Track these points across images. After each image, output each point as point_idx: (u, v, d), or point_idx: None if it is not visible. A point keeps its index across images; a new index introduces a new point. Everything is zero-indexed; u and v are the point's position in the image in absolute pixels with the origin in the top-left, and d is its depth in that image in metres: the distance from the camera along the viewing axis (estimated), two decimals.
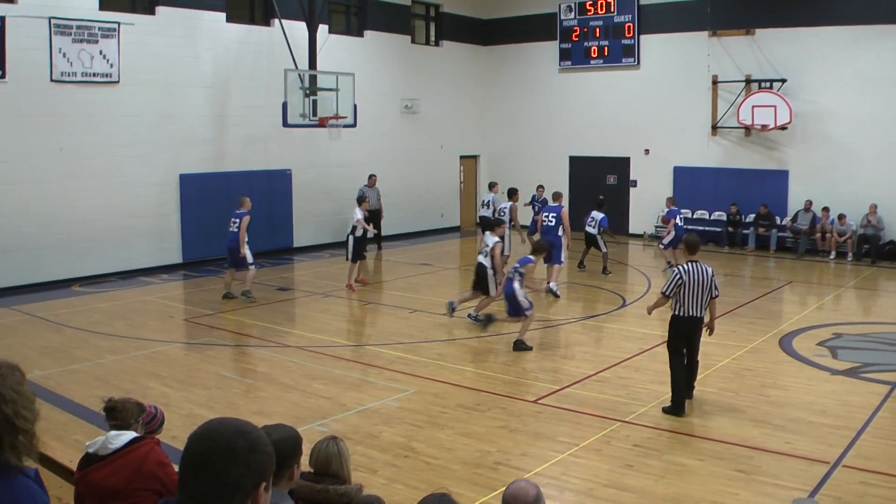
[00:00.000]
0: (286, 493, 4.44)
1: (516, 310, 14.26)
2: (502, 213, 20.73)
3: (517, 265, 14.45)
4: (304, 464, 4.82)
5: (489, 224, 18.48)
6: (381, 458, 9.37)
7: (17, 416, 3.17)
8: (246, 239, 18.28)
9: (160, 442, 5.52)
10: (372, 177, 26.42)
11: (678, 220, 22.08)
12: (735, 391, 11.73)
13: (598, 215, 21.81)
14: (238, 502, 2.66)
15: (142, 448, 5.32)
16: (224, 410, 10.93)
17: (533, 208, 24.60)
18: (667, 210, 23.06)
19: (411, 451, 9.61)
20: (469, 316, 16.12)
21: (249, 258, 18.38)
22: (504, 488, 4.79)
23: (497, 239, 16.07)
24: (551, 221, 19.15)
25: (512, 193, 21.52)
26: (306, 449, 4.79)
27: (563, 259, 19.41)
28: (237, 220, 18.42)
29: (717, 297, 11.12)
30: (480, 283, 16.15)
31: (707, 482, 8.61)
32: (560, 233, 18.99)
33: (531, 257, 14.59)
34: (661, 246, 22.51)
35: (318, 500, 4.97)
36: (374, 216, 25.05)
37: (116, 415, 5.63)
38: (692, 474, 8.84)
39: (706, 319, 11.22)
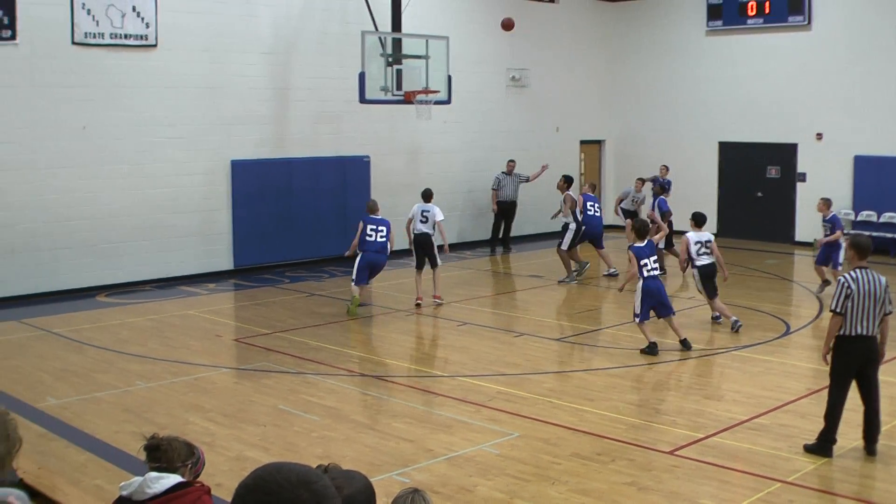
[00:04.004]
0: None
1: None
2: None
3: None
4: None
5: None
6: None
7: None
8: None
9: (210, 491, 5.55)
10: (510, 162, 27.56)
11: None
12: None
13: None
14: None
15: (188, 496, 5.35)
16: (281, 453, 11.01)
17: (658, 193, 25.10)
18: (828, 216, 21.13)
19: None
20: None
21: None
22: None
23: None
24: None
25: (568, 182, 23.17)
26: None
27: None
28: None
29: (890, 313, 10.91)
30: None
31: None
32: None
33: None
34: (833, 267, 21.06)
35: None
36: (508, 209, 27.43)
37: (160, 455, 5.64)
38: None
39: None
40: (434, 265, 19.97)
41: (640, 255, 15.92)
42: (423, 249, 19.92)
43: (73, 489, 7.78)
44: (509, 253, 27.16)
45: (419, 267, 19.97)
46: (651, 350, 15.65)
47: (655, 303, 15.89)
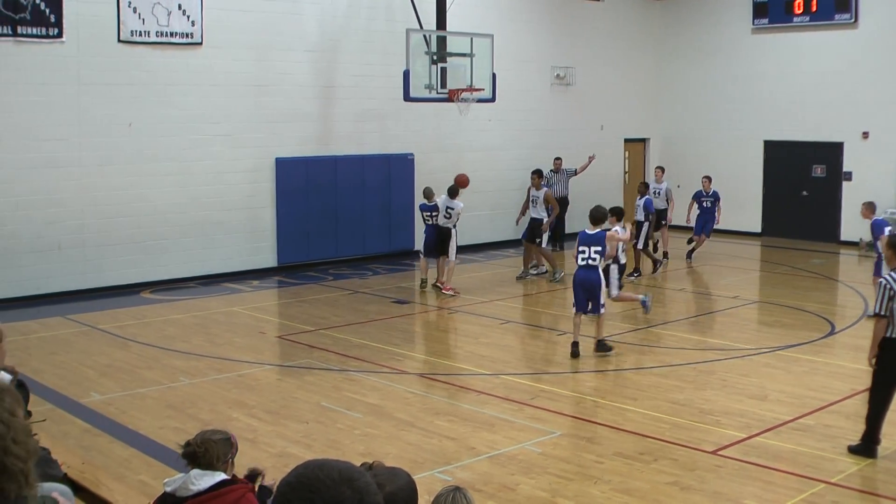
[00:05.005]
0: None
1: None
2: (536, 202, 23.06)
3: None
4: None
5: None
6: None
7: (6, 452, 3.12)
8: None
9: (254, 489, 5.56)
10: (557, 160, 27.32)
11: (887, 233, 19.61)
12: None
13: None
14: None
15: (232, 494, 5.37)
16: (324, 450, 11.03)
17: (700, 204, 25.45)
18: (871, 221, 19.34)
19: None
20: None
21: None
22: None
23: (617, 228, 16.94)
24: None
25: (540, 175, 23.56)
26: (423, 502, 4.76)
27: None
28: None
29: None
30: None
31: None
32: None
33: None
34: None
35: None
36: (560, 205, 26.69)
37: (200, 460, 5.68)
38: None
39: None
40: (447, 255, 20.84)
41: (579, 240, 15.46)
42: (441, 241, 20.89)
43: (117, 484, 7.84)
44: (563, 250, 26.84)
45: (428, 255, 21.29)
46: (573, 351, 15.33)
47: (587, 296, 15.35)
